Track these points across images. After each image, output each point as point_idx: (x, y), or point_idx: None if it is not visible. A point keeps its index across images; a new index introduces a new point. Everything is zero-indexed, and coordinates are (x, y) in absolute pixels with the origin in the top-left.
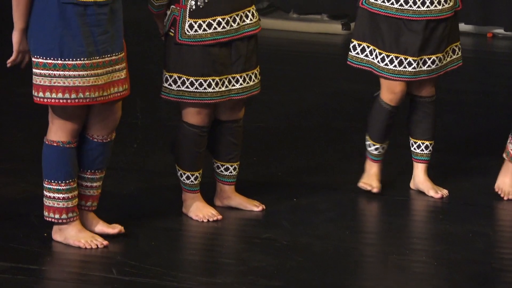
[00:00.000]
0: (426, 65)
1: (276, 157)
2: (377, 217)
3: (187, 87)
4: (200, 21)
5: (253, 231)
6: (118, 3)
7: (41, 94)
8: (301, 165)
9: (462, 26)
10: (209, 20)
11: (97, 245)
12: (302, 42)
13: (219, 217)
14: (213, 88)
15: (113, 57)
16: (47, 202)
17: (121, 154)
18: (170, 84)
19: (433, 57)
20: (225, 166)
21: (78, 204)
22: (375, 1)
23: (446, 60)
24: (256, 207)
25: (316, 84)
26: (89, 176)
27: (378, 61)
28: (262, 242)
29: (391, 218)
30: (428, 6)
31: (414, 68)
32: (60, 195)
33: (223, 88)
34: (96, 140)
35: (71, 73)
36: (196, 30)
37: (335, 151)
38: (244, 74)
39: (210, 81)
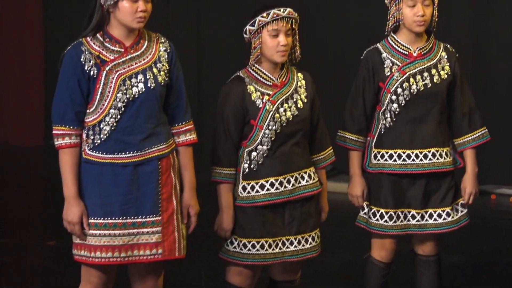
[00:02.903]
0: (433, 219)
1: None
2: None
3: (240, 248)
4: (253, 182)
5: None
6: (151, 166)
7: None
8: None
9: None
10: (261, 181)
11: None
12: None
13: None
14: (266, 250)
15: (138, 220)
16: None
17: None
18: (227, 245)
19: (439, 210)
20: None
21: None
22: (377, 162)
23: (456, 216)
24: None
25: None
26: None
27: (385, 221)
28: None
29: None
30: (430, 159)
31: (418, 221)
32: None
33: (277, 250)
34: None
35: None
36: (248, 192)
37: None
38: (299, 237)
39: (263, 243)
